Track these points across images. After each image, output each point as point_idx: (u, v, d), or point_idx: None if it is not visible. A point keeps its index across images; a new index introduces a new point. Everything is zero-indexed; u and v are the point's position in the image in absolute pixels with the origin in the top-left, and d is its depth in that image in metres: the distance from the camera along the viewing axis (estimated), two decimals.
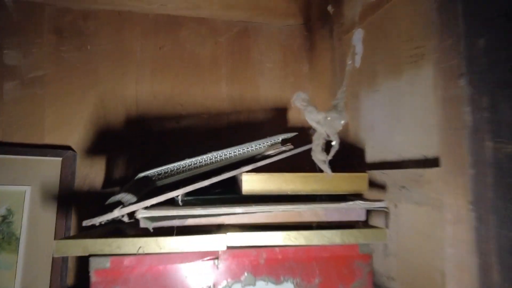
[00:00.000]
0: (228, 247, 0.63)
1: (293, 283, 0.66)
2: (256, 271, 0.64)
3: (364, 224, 0.73)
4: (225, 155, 0.74)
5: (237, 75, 1.08)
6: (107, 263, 0.58)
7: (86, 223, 0.61)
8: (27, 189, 0.89)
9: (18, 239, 0.86)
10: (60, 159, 0.91)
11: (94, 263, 0.58)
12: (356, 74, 0.85)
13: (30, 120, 0.93)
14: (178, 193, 0.62)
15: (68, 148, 0.94)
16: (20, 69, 0.93)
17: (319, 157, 0.65)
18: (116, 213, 0.59)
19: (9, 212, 0.88)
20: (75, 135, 0.95)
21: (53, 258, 0.87)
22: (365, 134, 0.84)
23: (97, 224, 0.59)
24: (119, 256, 0.59)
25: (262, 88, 1.10)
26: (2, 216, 0.87)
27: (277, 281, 0.65)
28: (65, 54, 0.97)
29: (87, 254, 0.58)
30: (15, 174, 0.88)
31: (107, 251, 0.59)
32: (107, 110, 0.98)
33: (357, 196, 0.73)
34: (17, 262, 0.85)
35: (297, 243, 0.65)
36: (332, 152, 0.64)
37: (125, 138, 0.99)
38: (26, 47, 0.94)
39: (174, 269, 0.61)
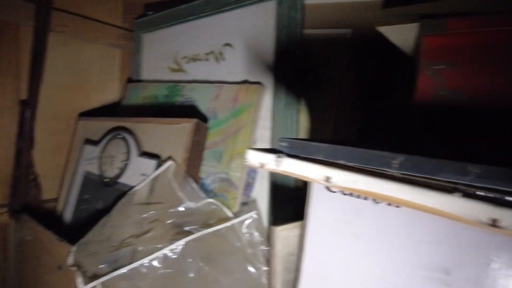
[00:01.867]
0: None
1: None
2: None
3: None
4: None
5: None
6: (444, 26, 0.42)
7: None
8: (348, 32, 0.87)
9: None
10: None
11: (425, 27, 0.44)
12: None
13: None
14: None
15: None
16: None
17: None
18: None
19: (331, 55, 0.89)
20: None
21: None
22: None
23: None
24: (462, 17, 0.42)
25: None
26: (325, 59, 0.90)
27: None
28: None
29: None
30: (338, 18, 0.87)
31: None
32: None
33: None
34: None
35: None
36: None
37: None
38: None
39: None
